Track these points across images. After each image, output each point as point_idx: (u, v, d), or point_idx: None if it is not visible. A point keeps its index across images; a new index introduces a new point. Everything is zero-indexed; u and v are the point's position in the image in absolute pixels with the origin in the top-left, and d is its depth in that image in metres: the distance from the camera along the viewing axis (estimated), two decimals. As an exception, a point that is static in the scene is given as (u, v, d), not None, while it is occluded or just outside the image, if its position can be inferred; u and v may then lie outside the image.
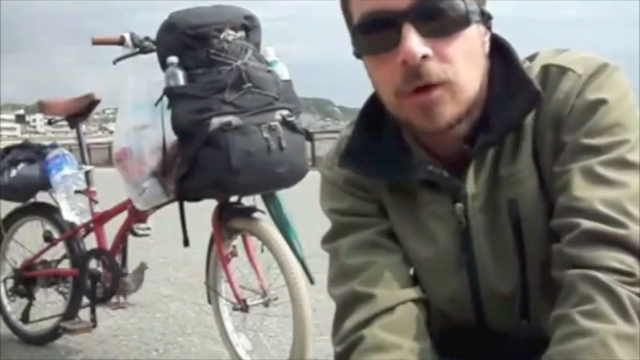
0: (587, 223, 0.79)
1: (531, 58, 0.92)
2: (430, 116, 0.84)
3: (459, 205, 0.91)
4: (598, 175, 0.81)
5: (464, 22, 0.83)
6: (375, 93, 0.95)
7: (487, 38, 0.89)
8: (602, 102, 0.84)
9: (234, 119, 2.21)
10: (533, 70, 0.90)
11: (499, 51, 0.91)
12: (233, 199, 2.46)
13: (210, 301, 2.64)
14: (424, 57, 0.81)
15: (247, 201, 2.47)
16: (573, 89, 0.86)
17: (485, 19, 0.88)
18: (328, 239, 1.01)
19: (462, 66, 0.83)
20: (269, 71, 2.35)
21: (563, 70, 0.87)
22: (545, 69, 0.89)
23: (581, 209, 0.80)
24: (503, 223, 0.89)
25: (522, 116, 0.88)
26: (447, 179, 0.92)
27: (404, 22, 0.81)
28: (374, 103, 0.96)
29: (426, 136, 0.92)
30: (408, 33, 0.80)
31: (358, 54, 0.89)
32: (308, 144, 2.45)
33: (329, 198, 1.02)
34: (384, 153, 0.95)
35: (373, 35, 0.84)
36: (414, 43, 0.80)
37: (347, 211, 0.99)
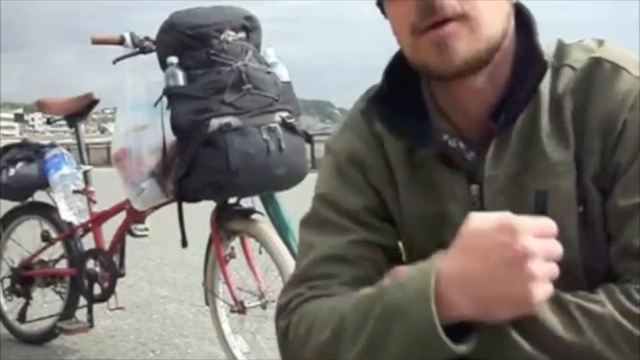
0: None
1: (572, 42, 0.90)
2: (445, 52, 0.80)
3: (474, 186, 0.88)
4: None
5: None
6: (397, 53, 0.91)
7: None
8: None
9: (233, 120, 2.20)
10: (573, 53, 0.86)
11: (524, 26, 0.88)
12: (232, 200, 2.45)
13: (207, 303, 2.63)
14: None
15: (246, 202, 2.46)
16: (629, 94, 0.82)
17: None
18: (308, 226, 0.98)
19: (481, 1, 0.80)
20: (269, 72, 2.34)
21: (617, 69, 0.83)
22: (598, 62, 0.85)
23: None
24: (527, 214, 0.83)
25: (534, 87, 0.84)
26: (463, 155, 0.89)
27: None
28: (397, 64, 0.92)
29: (451, 102, 0.89)
30: None
31: (379, 2, 0.87)
32: (308, 146, 2.44)
33: (324, 180, 0.98)
34: (404, 117, 0.91)
35: None
36: None
37: (332, 202, 0.95)
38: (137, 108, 2.46)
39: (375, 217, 0.94)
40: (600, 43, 0.88)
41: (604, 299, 0.78)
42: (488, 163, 0.86)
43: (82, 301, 2.91)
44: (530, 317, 0.76)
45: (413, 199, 0.93)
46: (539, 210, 0.83)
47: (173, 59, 2.25)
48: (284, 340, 0.92)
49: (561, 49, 0.87)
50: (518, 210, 0.81)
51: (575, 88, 0.84)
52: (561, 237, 0.81)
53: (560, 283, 0.78)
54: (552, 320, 0.77)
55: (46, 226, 3.04)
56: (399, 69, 0.92)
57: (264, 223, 2.38)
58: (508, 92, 0.86)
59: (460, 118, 0.89)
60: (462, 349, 0.73)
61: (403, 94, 0.92)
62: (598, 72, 0.84)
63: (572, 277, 0.81)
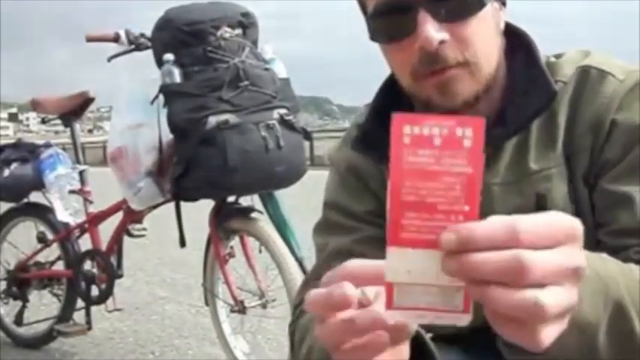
0: None
1: (558, 57, 0.92)
2: (447, 94, 0.84)
3: None
4: None
5: (479, 3, 0.83)
6: (389, 77, 0.95)
7: (502, 14, 0.89)
8: None
9: (231, 118, 2.18)
10: (562, 68, 0.90)
11: (520, 42, 0.92)
12: (230, 198, 2.42)
13: (207, 303, 2.61)
14: (441, 42, 0.81)
15: (245, 201, 2.44)
16: (615, 97, 0.85)
17: None
18: (319, 231, 1.03)
19: (479, 46, 0.84)
20: (266, 69, 2.31)
21: (603, 74, 0.87)
22: (585, 70, 0.89)
23: None
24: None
25: (537, 114, 0.87)
26: None
27: (419, 8, 0.81)
28: (388, 87, 0.95)
29: None
30: (424, 19, 0.81)
31: (374, 40, 0.90)
32: (306, 143, 2.42)
33: (328, 188, 1.04)
34: None
35: (388, 23, 0.85)
36: (431, 29, 0.80)
37: (338, 207, 1.00)
38: (133, 106, 2.43)
39: (379, 217, 0.97)
40: (586, 54, 0.92)
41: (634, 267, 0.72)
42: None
43: (80, 303, 2.88)
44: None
45: None
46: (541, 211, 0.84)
47: (169, 56, 2.22)
48: (291, 345, 0.97)
49: (550, 67, 0.90)
50: (517, 213, 0.82)
51: (567, 98, 0.88)
52: None
53: None
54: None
55: (42, 228, 3.01)
56: (388, 94, 0.96)
57: (263, 222, 2.35)
58: (503, 107, 0.89)
59: None
60: None
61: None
62: (586, 79, 0.88)
63: None
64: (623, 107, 0.85)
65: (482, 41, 0.84)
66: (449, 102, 0.84)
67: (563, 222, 0.49)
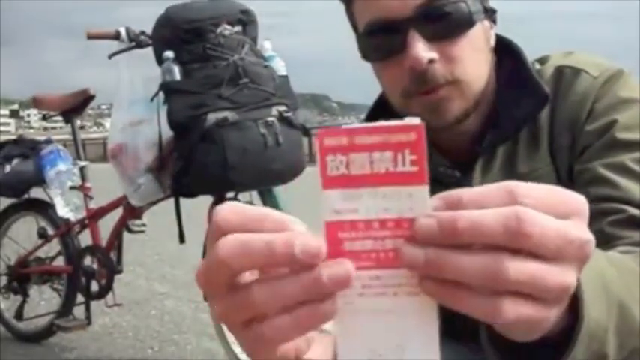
0: (633, 210, 0.79)
1: (542, 61, 0.94)
2: (438, 113, 0.85)
3: None
4: (631, 170, 0.82)
5: (468, 23, 0.84)
6: (382, 94, 0.96)
7: (493, 32, 0.91)
8: (626, 101, 0.85)
9: (230, 115, 2.19)
10: (546, 72, 0.91)
11: (507, 51, 0.93)
12: (229, 195, 2.44)
13: (206, 299, 2.61)
14: (430, 61, 0.82)
15: (244, 197, 2.45)
16: (590, 91, 0.87)
17: (490, 14, 0.89)
18: None
19: (468, 64, 0.85)
20: (266, 66, 2.33)
21: (576, 72, 0.89)
22: (559, 70, 0.90)
23: (629, 199, 0.80)
24: None
25: (530, 117, 0.89)
26: (454, 178, 0.93)
27: (409, 28, 0.82)
28: (382, 104, 0.96)
29: (436, 135, 0.93)
30: (414, 39, 0.82)
31: (365, 58, 0.91)
32: (305, 140, 2.43)
33: None
34: None
35: (379, 42, 0.86)
36: (420, 49, 0.82)
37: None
38: (133, 103, 2.45)
39: None
40: (568, 54, 0.94)
41: None
42: (476, 180, 0.91)
43: (80, 298, 2.90)
44: None
45: None
46: None
47: (169, 54, 2.24)
48: None
49: (537, 73, 0.92)
50: None
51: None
52: None
53: None
54: None
55: (43, 223, 3.02)
56: (382, 110, 0.96)
57: (262, 218, 2.36)
58: (493, 117, 0.91)
59: (448, 146, 0.94)
60: None
61: None
62: (561, 78, 0.90)
63: None
64: (599, 98, 0.86)
65: (472, 59, 0.85)
66: (440, 120, 0.86)
67: (568, 195, 0.41)
